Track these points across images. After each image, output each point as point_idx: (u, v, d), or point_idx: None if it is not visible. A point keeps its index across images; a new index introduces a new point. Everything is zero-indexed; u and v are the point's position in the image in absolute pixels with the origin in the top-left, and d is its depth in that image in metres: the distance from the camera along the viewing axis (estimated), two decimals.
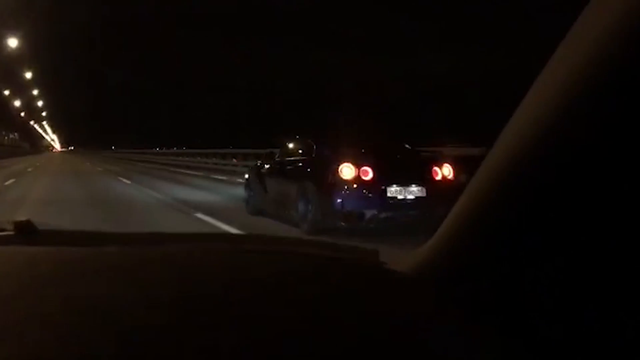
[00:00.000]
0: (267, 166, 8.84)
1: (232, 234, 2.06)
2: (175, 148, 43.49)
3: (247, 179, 9.49)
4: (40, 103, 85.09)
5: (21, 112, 69.51)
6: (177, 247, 0.98)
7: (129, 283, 0.69)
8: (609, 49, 0.47)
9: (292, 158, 8.13)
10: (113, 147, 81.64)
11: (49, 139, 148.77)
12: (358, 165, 6.74)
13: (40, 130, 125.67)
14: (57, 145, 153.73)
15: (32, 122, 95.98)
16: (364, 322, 0.60)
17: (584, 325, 0.51)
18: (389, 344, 0.55)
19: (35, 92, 68.40)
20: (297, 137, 8.51)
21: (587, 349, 0.51)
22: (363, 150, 7.17)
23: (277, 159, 8.62)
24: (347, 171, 6.76)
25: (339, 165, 6.79)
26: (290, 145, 8.47)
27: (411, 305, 0.66)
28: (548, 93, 0.53)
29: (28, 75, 58.28)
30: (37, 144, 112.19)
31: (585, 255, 0.50)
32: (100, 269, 0.75)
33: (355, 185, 6.70)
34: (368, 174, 6.73)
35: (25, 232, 0.93)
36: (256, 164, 9.61)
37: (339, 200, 6.70)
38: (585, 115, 0.49)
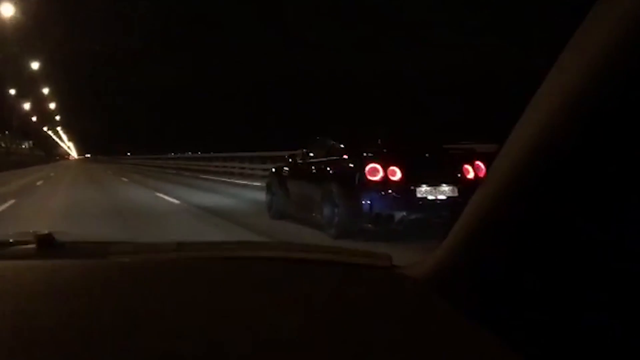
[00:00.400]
0: (288, 169, 8.63)
1: (250, 242, 2.08)
2: (190, 153, 43.40)
3: (268, 183, 9.29)
4: (53, 106, 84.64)
5: (32, 117, 67.97)
6: (195, 255, 1.02)
7: (147, 294, 0.71)
8: (612, 54, 0.47)
9: (315, 160, 7.90)
10: (129, 154, 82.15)
11: (65, 147, 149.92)
12: (385, 166, 6.51)
13: (56, 138, 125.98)
14: (73, 153, 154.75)
15: (45, 129, 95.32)
16: (376, 327, 0.62)
17: (594, 332, 0.51)
18: (399, 347, 0.57)
19: (47, 92, 66.39)
20: (318, 137, 8.29)
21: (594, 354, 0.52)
22: (390, 150, 6.93)
23: (299, 161, 8.40)
24: (373, 172, 6.53)
25: (365, 166, 6.56)
26: (313, 147, 8.24)
27: (422, 310, 0.67)
28: (552, 100, 0.54)
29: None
30: (53, 152, 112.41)
31: (596, 263, 0.50)
32: (119, 280, 0.78)
33: (382, 187, 6.47)
34: (396, 174, 6.49)
35: (46, 245, 0.95)
36: (277, 167, 9.41)
37: (366, 203, 6.48)
38: (590, 122, 0.49)
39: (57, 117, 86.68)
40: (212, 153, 30.22)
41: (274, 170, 9.50)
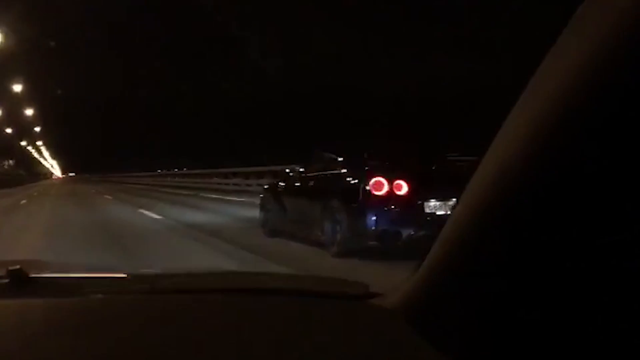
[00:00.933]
0: (284, 184, 8.23)
1: (220, 272, 1.81)
2: (176, 170, 42.56)
3: (262, 199, 8.86)
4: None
5: (6, 128, 62.62)
6: (171, 288, 1.04)
7: (121, 333, 0.71)
8: (596, 56, 0.47)
9: (314, 173, 7.51)
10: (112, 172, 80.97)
11: (48, 165, 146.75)
12: (391, 179, 6.13)
13: (37, 155, 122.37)
14: (57, 172, 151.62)
15: (25, 144, 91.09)
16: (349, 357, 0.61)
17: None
18: None
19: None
20: (314, 151, 7.91)
21: None
22: (395, 162, 6.54)
23: (296, 175, 8.00)
24: (378, 186, 6.15)
25: (369, 180, 6.19)
26: (312, 160, 7.84)
27: (397, 342, 0.65)
28: (535, 105, 0.52)
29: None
30: (35, 172, 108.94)
31: (577, 293, 0.48)
32: (92, 319, 0.78)
33: (388, 201, 6.08)
34: (402, 188, 6.11)
35: (18, 281, 0.93)
36: (272, 183, 9.01)
37: (371, 219, 6.09)
38: (574, 126, 0.48)
39: (37, 129, 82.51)
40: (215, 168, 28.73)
41: (267, 186, 9.10)
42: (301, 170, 7.94)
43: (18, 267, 0.93)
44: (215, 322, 0.76)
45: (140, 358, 0.62)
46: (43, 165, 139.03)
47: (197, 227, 9.84)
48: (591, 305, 0.48)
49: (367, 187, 6.17)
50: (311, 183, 7.46)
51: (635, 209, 0.44)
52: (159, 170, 45.20)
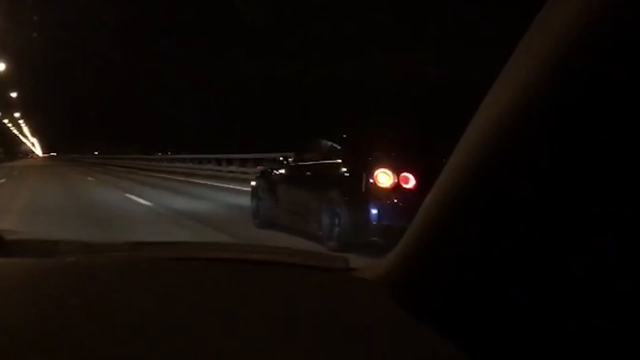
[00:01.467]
0: (279, 172, 7.78)
1: (204, 243, 1.88)
2: (169, 153, 41.39)
3: (254, 187, 8.39)
4: (14, 95, 75.21)
5: None
6: (146, 255, 1.03)
7: (93, 295, 0.71)
8: (564, 48, 0.48)
9: (312, 162, 7.07)
10: (96, 153, 79.33)
11: (28, 144, 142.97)
12: (397, 171, 5.71)
13: (17, 132, 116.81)
14: (38, 151, 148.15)
15: (6, 121, 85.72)
16: (328, 331, 0.61)
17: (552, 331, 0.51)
18: (350, 351, 0.57)
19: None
20: (311, 138, 7.47)
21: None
22: (401, 153, 6.10)
23: (291, 164, 7.55)
24: (384, 178, 5.73)
25: (373, 171, 5.76)
26: (309, 148, 7.39)
27: (375, 313, 0.66)
28: (501, 101, 0.54)
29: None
30: (15, 150, 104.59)
31: (550, 260, 0.50)
32: (65, 280, 0.77)
33: (393, 195, 5.66)
34: (409, 180, 5.70)
35: None
36: (265, 170, 8.54)
37: (374, 212, 5.68)
38: (541, 122, 0.49)
39: (14, 95, 73.54)
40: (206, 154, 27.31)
41: (259, 173, 8.63)
42: (297, 158, 7.50)
43: None
44: (195, 290, 0.75)
45: (112, 321, 0.61)
46: (25, 144, 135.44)
47: (187, 214, 9.39)
48: (559, 282, 0.49)
49: (371, 179, 5.75)
50: (308, 172, 7.03)
51: (601, 195, 0.46)
52: (159, 154, 43.39)
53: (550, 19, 0.51)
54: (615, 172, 0.45)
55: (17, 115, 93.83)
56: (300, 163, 7.34)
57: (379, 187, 5.71)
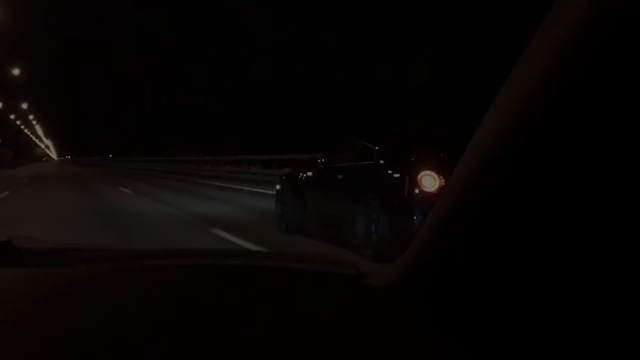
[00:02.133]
0: (307, 175, 7.29)
1: (213, 250, 1.72)
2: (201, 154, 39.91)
3: (278, 191, 7.90)
4: (25, 105, 73.29)
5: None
6: (161, 263, 1.02)
7: (105, 305, 0.70)
8: (572, 53, 0.48)
9: (344, 164, 6.56)
10: (110, 156, 78.81)
11: (43, 146, 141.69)
12: (443, 174, 5.20)
13: (28, 132, 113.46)
14: (53, 154, 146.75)
15: (18, 123, 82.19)
16: (336, 338, 0.60)
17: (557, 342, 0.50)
18: (359, 358, 0.56)
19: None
20: (346, 137, 6.97)
21: None
22: (446, 154, 5.59)
23: (321, 166, 7.05)
24: (429, 181, 5.23)
25: (417, 174, 5.26)
26: (341, 150, 6.88)
27: (385, 320, 0.65)
28: (507, 107, 0.54)
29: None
30: (26, 153, 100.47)
31: (558, 268, 0.50)
32: (77, 290, 0.77)
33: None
34: None
35: (6, 253, 0.93)
36: (290, 173, 8.05)
37: (418, 219, 5.16)
38: (546, 129, 0.49)
39: (24, 106, 70.03)
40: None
41: (285, 176, 8.14)
42: (327, 159, 7.01)
43: (5, 239, 0.96)
44: (206, 297, 0.74)
45: (124, 330, 0.61)
46: (39, 147, 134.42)
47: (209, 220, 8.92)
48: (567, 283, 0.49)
49: (415, 182, 5.24)
50: (340, 175, 6.52)
51: (605, 194, 0.46)
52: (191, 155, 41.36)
53: (553, 27, 0.51)
54: (618, 174, 0.45)
55: (31, 117, 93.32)
56: (330, 165, 6.84)
57: (424, 191, 5.20)
